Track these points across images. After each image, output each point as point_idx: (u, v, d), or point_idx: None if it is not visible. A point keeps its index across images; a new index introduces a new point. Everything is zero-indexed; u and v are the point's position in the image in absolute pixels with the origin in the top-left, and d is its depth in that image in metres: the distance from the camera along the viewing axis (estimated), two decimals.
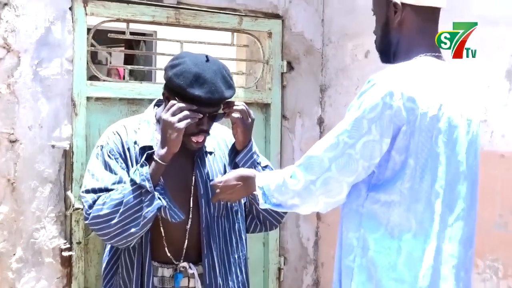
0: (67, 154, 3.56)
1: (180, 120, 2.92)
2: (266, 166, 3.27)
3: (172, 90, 3.04)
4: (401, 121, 2.41)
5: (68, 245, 3.57)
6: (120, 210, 2.93)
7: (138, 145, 3.11)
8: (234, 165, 3.22)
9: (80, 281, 3.62)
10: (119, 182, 3.04)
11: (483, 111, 3.03)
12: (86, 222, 3.04)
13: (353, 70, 4.33)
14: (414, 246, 2.44)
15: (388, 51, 2.65)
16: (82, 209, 3.36)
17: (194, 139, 3.06)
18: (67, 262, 3.58)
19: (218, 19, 4.09)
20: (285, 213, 3.32)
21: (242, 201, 3.31)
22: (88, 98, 3.63)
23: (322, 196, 2.51)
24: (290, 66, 4.40)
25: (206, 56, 3.09)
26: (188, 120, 2.93)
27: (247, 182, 2.83)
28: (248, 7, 4.20)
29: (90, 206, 3.00)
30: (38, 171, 3.49)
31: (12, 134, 3.42)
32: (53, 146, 3.52)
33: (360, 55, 4.25)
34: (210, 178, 3.18)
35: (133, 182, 2.94)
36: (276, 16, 4.33)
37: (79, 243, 3.60)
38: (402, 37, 2.59)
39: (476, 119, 2.61)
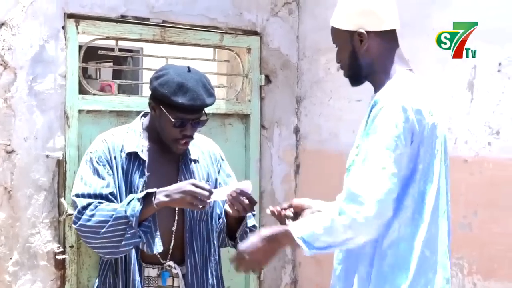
0: (61, 164, 3.55)
1: (198, 200, 2.92)
2: (253, 226, 3.27)
3: (158, 99, 3.07)
4: (414, 132, 2.45)
5: (61, 249, 3.55)
6: (104, 229, 2.95)
7: (124, 152, 3.12)
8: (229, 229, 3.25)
9: (73, 283, 3.60)
10: (107, 186, 3.05)
11: (447, 119, 3.06)
12: (74, 226, 3.05)
13: (326, 82, 4.33)
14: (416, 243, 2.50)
15: (359, 75, 2.68)
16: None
17: (179, 143, 3.10)
18: (60, 265, 3.55)
19: (201, 36, 4.10)
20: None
21: (215, 213, 3.30)
22: (80, 111, 3.62)
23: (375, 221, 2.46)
24: (268, 79, 4.39)
25: (188, 67, 3.12)
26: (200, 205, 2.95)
27: (276, 241, 2.58)
28: (228, 25, 4.20)
29: (80, 212, 3.01)
30: (33, 179, 3.48)
31: (9, 145, 3.40)
32: (47, 156, 3.50)
33: (333, 69, 4.23)
34: None
35: (124, 210, 2.95)
36: (255, 33, 4.33)
37: (72, 247, 3.58)
38: (372, 60, 2.62)
39: (445, 125, 2.69)
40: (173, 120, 3.04)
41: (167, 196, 2.95)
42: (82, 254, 3.64)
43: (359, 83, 2.72)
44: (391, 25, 2.62)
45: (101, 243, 2.98)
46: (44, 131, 3.50)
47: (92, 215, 2.97)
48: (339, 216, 2.43)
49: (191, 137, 3.13)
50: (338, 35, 2.67)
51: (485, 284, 3.48)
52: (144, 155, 3.14)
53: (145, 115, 3.30)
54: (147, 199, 2.96)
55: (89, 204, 3.00)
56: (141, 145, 3.15)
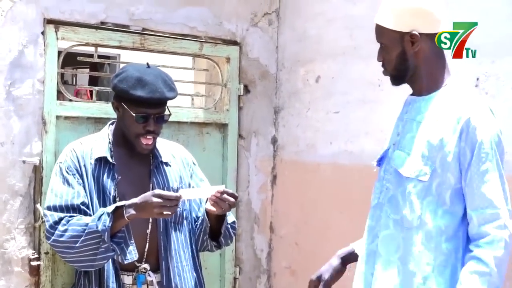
0: (37, 169, 3.53)
1: (166, 208, 2.91)
2: (233, 222, 3.33)
3: (118, 96, 3.11)
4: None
5: (36, 255, 3.52)
6: (77, 244, 2.96)
7: (93, 159, 3.14)
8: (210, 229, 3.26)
9: None
10: (78, 196, 3.06)
11: None
12: (48, 242, 3.06)
13: (304, 93, 4.34)
14: None
15: (404, 76, 2.62)
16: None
17: (143, 141, 3.10)
18: (35, 271, 3.53)
19: (180, 44, 4.11)
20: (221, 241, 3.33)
21: (191, 217, 3.33)
22: (57, 117, 3.61)
23: None
24: (246, 89, 4.40)
25: (147, 63, 3.16)
26: (169, 213, 2.94)
27: None
28: (208, 34, 4.21)
29: (51, 227, 3.03)
30: (9, 185, 3.46)
31: None
32: (24, 162, 3.48)
33: (311, 80, 4.25)
34: (166, 186, 3.21)
35: (95, 225, 2.95)
36: (234, 43, 4.34)
37: (47, 253, 3.56)
38: (421, 63, 2.58)
39: None
40: (134, 114, 3.06)
41: (135, 209, 2.96)
42: (57, 261, 3.61)
43: (401, 83, 2.67)
44: (444, 27, 2.56)
45: (77, 257, 3.00)
46: (21, 137, 3.49)
47: (65, 230, 2.99)
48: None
49: (154, 133, 3.14)
50: (386, 34, 2.58)
51: None
52: (114, 160, 3.16)
53: (113, 123, 3.32)
54: (117, 212, 2.97)
55: (61, 219, 3.02)
56: (110, 150, 3.18)
